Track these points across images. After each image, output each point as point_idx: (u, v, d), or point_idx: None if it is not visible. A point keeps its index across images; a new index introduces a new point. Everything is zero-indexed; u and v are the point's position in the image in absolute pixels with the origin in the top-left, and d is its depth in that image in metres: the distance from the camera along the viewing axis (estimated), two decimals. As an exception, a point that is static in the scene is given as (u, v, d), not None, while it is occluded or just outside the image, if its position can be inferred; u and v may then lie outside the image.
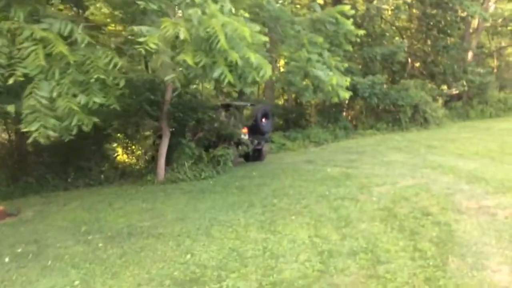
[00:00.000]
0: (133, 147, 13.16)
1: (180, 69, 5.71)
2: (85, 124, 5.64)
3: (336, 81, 7.63)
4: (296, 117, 21.16)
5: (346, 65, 8.95)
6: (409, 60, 24.68)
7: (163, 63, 5.51)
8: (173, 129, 10.69)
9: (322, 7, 9.87)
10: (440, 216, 6.13)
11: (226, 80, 5.33)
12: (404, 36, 25.01)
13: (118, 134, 13.22)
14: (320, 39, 8.02)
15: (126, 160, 13.15)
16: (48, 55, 5.22)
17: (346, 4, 11.23)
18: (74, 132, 5.75)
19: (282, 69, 19.69)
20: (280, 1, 8.21)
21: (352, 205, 7.15)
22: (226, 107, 12.67)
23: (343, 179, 9.59)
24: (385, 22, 24.65)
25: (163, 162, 10.55)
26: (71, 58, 5.26)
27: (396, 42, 21.64)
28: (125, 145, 13.07)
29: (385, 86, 20.51)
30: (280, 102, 25.49)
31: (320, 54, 8.27)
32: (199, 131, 11.19)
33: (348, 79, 8.32)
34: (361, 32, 9.09)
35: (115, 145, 13.23)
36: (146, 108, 10.10)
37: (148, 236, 6.19)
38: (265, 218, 6.74)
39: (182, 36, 4.94)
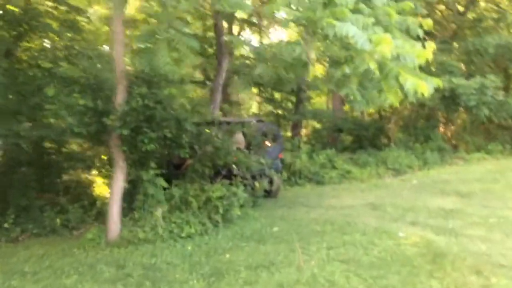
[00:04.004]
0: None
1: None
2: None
3: (390, 48, 2.90)
4: (372, 134, 15.91)
5: (429, 23, 4.08)
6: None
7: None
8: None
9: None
10: None
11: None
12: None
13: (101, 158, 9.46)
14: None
15: (108, 194, 9.30)
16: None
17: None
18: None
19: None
20: None
21: None
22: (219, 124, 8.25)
23: (424, 269, 4.67)
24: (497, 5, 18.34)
25: (117, 211, 6.46)
26: None
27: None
28: (106, 173, 9.23)
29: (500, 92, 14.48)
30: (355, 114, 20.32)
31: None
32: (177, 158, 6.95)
33: (431, 48, 3.47)
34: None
35: (94, 172, 9.46)
36: (68, 121, 5.97)
37: None
38: None
39: None
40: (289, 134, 17.22)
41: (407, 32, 3.97)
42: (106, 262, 5.61)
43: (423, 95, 3.35)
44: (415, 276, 4.48)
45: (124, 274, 5.17)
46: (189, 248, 6.17)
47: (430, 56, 3.41)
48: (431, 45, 3.58)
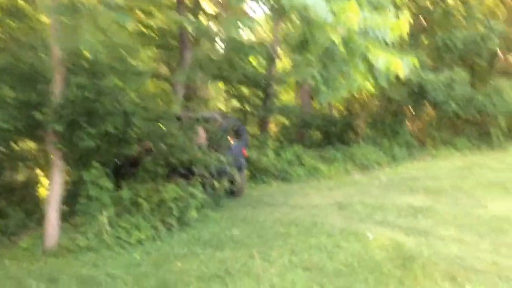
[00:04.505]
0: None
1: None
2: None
3: (358, 18, 2.38)
4: (340, 130, 15.55)
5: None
6: (499, 52, 18.10)
7: None
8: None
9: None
10: None
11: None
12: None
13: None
14: None
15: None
16: None
17: None
18: None
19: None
20: None
21: None
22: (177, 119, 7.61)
23: (393, 277, 4.22)
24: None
25: (55, 216, 5.75)
26: None
27: (485, 25, 15.16)
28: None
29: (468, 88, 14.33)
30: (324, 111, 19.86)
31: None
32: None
33: (406, 20, 2.98)
34: None
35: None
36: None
37: None
38: None
39: None
40: (257, 130, 16.66)
41: (378, 9, 3.49)
42: (38, 275, 4.90)
43: (398, 79, 2.84)
44: (383, 285, 4.02)
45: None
46: (137, 256, 5.53)
47: (405, 29, 2.91)
48: (406, 16, 3.08)
